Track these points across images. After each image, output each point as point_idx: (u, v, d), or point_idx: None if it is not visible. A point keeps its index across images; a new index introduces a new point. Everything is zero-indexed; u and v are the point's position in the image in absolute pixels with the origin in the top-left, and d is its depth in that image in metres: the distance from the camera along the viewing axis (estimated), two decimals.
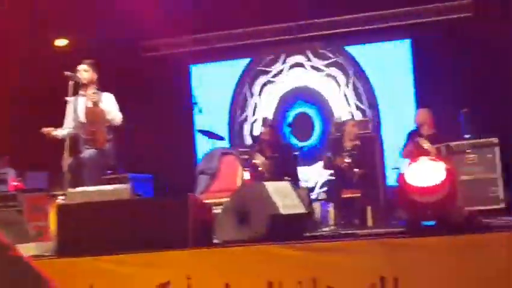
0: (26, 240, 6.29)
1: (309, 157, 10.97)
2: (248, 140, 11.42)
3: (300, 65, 11.47)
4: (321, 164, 9.58)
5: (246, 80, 11.64)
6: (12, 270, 2.15)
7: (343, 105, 11.26)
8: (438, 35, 10.89)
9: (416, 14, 11.22)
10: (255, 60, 11.59)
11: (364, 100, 11.18)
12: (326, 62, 11.35)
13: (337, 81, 11.30)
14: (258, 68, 11.64)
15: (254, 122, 11.55)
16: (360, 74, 11.15)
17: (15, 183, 10.84)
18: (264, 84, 11.60)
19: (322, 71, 11.41)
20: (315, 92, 11.33)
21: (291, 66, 11.50)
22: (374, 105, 11.14)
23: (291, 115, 11.09)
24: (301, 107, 11.38)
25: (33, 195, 9.69)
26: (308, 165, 10.97)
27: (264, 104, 11.55)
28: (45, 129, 6.99)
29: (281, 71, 11.52)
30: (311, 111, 11.37)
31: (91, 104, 6.89)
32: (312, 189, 10.72)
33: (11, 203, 9.53)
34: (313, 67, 11.44)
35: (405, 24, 11.31)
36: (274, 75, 11.60)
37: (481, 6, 10.63)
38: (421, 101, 10.99)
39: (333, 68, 11.33)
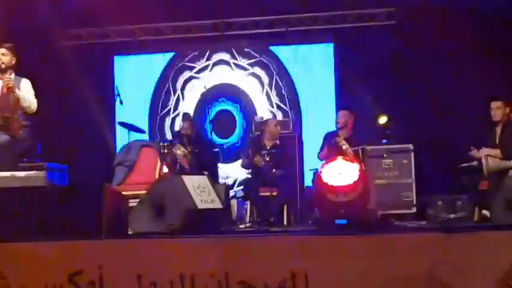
0: None
1: (230, 155, 11.12)
2: (169, 135, 11.38)
3: (225, 62, 11.52)
4: (239, 162, 9.64)
5: (169, 74, 11.58)
6: None
7: (265, 104, 11.35)
8: (361, 40, 11.11)
9: (340, 18, 11.40)
10: (179, 55, 11.57)
11: (286, 101, 11.30)
12: (251, 61, 11.44)
13: (261, 81, 11.40)
14: (182, 63, 11.62)
15: (175, 116, 11.51)
16: (284, 74, 11.23)
17: None
18: (188, 80, 11.59)
19: (246, 69, 11.50)
20: (238, 90, 11.42)
21: (216, 63, 11.54)
22: (296, 106, 11.25)
23: (213, 112, 11.08)
24: (223, 104, 11.44)
25: None
26: (228, 163, 11.09)
27: (186, 99, 11.54)
28: None
29: (205, 67, 11.55)
30: (233, 109, 11.47)
31: (6, 89, 6.71)
32: (231, 187, 10.84)
33: None
34: (237, 65, 11.52)
35: (329, 27, 11.50)
36: (199, 71, 11.62)
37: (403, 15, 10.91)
38: (341, 104, 11.18)
39: (257, 68, 11.43)
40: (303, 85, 11.49)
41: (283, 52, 11.63)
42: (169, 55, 11.91)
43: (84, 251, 4.88)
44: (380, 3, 11.23)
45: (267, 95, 11.43)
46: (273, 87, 11.40)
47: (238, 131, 11.46)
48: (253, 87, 11.50)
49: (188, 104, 11.51)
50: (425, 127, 10.16)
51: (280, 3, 11.08)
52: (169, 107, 11.75)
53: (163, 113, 11.77)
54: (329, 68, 11.53)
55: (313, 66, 11.54)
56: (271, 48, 11.65)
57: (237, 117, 11.48)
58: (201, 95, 10.82)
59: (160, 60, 11.94)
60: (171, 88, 11.68)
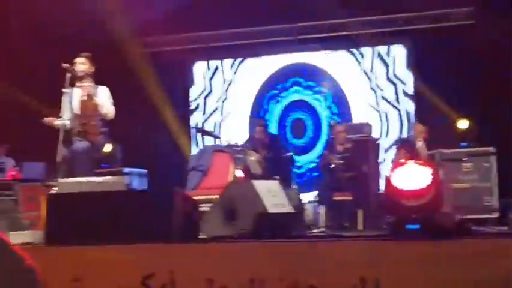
0: (18, 229, 6.35)
1: (304, 150, 11.75)
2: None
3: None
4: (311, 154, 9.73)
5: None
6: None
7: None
8: (438, 41, 10.93)
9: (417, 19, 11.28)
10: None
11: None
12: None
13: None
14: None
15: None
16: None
17: (13, 173, 10.88)
18: (271, 97, 12.27)
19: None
20: (308, 104, 12.11)
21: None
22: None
23: (289, 120, 11.94)
24: (297, 113, 12.06)
25: (29, 185, 9.74)
26: (301, 155, 11.69)
27: (271, 112, 12.29)
28: (46, 119, 7.04)
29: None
30: (305, 117, 12.07)
31: (85, 97, 6.92)
32: (303, 174, 11.26)
33: (7, 192, 9.58)
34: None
35: (405, 29, 11.40)
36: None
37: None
38: (419, 107, 11.06)
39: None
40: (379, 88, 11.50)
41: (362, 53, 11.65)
42: (240, 60, 12.31)
43: (156, 255, 4.96)
44: (457, 3, 11.01)
45: (327, 108, 11.91)
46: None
47: (308, 133, 11.98)
48: (317, 101, 12.02)
49: (273, 116, 12.22)
50: (504, 128, 9.86)
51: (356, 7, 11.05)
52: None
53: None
54: (404, 70, 11.45)
55: (387, 69, 11.49)
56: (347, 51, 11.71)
57: (307, 123, 12.00)
58: (282, 108, 11.82)
59: (235, 66, 12.12)
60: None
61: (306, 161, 11.69)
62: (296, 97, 12.12)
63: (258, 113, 12.16)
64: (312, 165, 11.42)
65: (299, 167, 11.56)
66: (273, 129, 11.86)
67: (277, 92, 12.22)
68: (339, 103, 11.83)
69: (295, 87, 12.14)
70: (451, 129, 10.44)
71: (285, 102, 12.16)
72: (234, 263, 4.81)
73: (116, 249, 5.02)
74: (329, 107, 11.89)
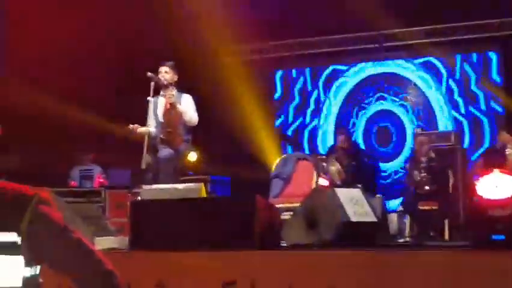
0: (105, 235, 6.50)
1: (390, 157, 11.67)
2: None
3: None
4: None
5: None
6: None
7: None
8: None
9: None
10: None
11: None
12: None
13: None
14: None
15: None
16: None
17: (101, 180, 11.17)
18: (360, 109, 12.20)
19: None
20: (392, 114, 12.00)
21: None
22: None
23: (374, 129, 11.95)
24: (383, 123, 11.99)
25: (116, 191, 9.98)
26: (388, 162, 11.60)
27: (358, 123, 12.22)
28: (131, 126, 7.20)
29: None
30: (390, 126, 11.98)
31: (169, 105, 7.04)
32: (388, 176, 11.32)
33: (95, 199, 9.84)
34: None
35: (496, 35, 11.12)
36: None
37: None
38: (508, 119, 10.77)
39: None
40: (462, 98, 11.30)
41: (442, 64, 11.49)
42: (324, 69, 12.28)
43: (238, 262, 5.00)
44: None
45: (411, 118, 11.77)
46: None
47: (393, 140, 11.83)
48: (402, 112, 11.87)
49: (359, 126, 12.15)
50: None
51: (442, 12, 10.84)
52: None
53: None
54: (491, 79, 11.18)
55: (473, 78, 11.26)
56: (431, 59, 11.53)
57: (392, 131, 11.86)
58: (367, 118, 11.95)
59: (315, 74, 12.14)
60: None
61: (391, 167, 11.57)
62: (381, 106, 12.04)
63: (343, 122, 12.13)
64: (398, 175, 11.28)
65: (385, 175, 11.45)
66: (358, 138, 11.82)
67: (362, 101, 12.16)
68: (424, 111, 11.65)
69: (380, 96, 12.06)
70: None
71: (370, 111, 12.10)
72: (314, 271, 4.79)
73: (199, 255, 5.08)
74: (414, 115, 11.74)
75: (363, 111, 12.12)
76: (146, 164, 7.08)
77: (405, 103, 11.83)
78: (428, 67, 11.64)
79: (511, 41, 10.91)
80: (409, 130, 11.57)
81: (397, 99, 11.93)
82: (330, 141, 11.82)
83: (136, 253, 5.35)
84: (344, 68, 12.16)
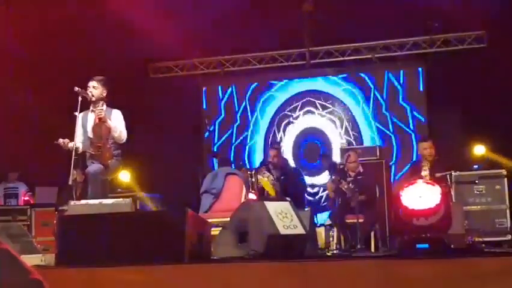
0: (31, 253, 6.37)
1: (317, 171, 11.85)
2: None
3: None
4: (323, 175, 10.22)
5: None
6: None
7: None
8: (450, 65, 10.96)
9: (429, 43, 11.35)
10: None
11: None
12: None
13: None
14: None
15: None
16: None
17: (26, 198, 10.96)
18: (287, 124, 12.42)
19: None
20: (320, 130, 12.27)
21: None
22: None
23: (303, 144, 12.20)
24: (311, 141, 12.27)
25: (42, 210, 9.81)
26: (315, 176, 11.79)
27: (286, 137, 12.41)
28: (60, 140, 7.06)
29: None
30: (317, 143, 12.27)
31: (98, 120, 6.97)
32: (316, 193, 11.49)
33: (20, 217, 9.65)
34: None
35: (418, 53, 11.46)
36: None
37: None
38: (432, 130, 11.06)
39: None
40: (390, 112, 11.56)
41: (370, 79, 11.72)
42: (254, 85, 12.44)
43: (168, 276, 4.96)
44: (468, 27, 11.05)
45: (339, 133, 12.13)
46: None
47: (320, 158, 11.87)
48: (329, 127, 12.21)
49: (288, 140, 12.36)
50: None
51: (365, 31, 11.10)
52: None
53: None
54: (417, 94, 11.48)
55: (400, 93, 11.55)
56: (359, 75, 11.78)
57: (319, 148, 12.13)
58: (296, 134, 12.21)
59: (241, 90, 12.24)
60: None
61: (319, 182, 11.77)
62: (309, 122, 12.21)
63: (272, 137, 12.22)
64: (325, 191, 11.43)
65: (313, 192, 11.62)
66: (288, 153, 11.96)
67: (291, 117, 12.35)
68: (352, 127, 11.89)
69: (309, 113, 12.27)
70: (463, 152, 10.44)
71: (298, 127, 12.28)
72: (245, 283, 4.81)
73: (128, 270, 5.03)
74: (341, 130, 11.96)
75: (292, 125, 12.28)
76: (73, 180, 6.97)
77: (333, 118, 12.02)
78: (356, 82, 11.88)
79: (433, 58, 11.28)
80: (335, 145, 11.84)
81: (324, 115, 12.12)
82: (258, 157, 11.93)
83: (63, 269, 5.25)
84: (273, 82, 12.30)
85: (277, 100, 12.40)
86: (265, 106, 12.38)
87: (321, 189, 11.77)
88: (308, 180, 11.33)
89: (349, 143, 11.75)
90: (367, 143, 11.67)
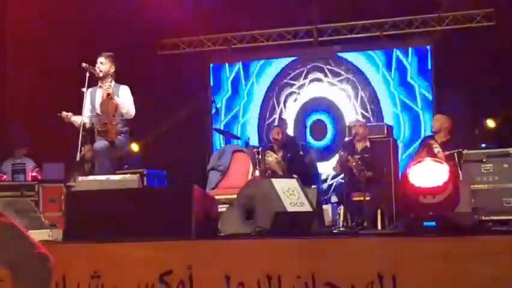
0: (38, 228, 6.40)
1: (324, 154, 11.34)
2: None
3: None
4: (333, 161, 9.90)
5: (274, 88, 12.03)
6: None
7: (352, 113, 11.60)
8: (458, 43, 10.90)
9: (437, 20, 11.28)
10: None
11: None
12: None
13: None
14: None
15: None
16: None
17: (34, 174, 11.00)
18: (289, 94, 11.94)
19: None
20: (329, 102, 11.76)
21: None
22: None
23: (309, 120, 11.50)
24: (317, 114, 11.75)
25: (50, 185, 9.86)
26: (322, 161, 11.07)
27: (288, 111, 11.91)
28: (64, 113, 7.07)
29: (303, 84, 11.89)
30: (325, 118, 11.75)
31: (105, 97, 6.97)
32: (325, 181, 11.06)
33: (28, 193, 9.69)
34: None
35: (426, 30, 11.40)
36: (298, 87, 11.92)
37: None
38: (439, 108, 11.01)
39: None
40: (398, 90, 11.43)
41: (378, 57, 11.60)
42: (262, 62, 12.21)
43: (174, 252, 4.99)
44: (477, 5, 10.97)
45: (353, 106, 11.64)
46: (358, 99, 11.60)
47: (329, 135, 11.72)
48: (342, 99, 11.71)
49: (289, 115, 11.90)
50: None
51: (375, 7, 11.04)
52: (274, 117, 12.08)
53: (269, 121, 12.04)
54: (426, 72, 11.41)
55: (408, 71, 11.46)
56: (366, 53, 11.68)
57: (327, 124, 11.73)
58: (300, 107, 11.54)
59: (255, 68, 12.13)
60: (275, 101, 12.04)
61: (327, 170, 11.03)
62: (316, 92, 11.86)
63: (269, 113, 11.97)
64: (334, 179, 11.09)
65: (322, 178, 10.99)
66: (291, 130, 11.62)
67: (292, 84, 11.91)
68: (370, 100, 11.56)
69: (315, 78, 11.83)
70: (471, 130, 10.40)
71: (302, 98, 11.77)
72: (251, 259, 4.82)
73: (135, 245, 5.06)
74: (356, 103, 11.61)
75: (294, 96, 11.91)
76: (81, 156, 6.98)
77: (346, 87, 11.74)
78: (363, 62, 11.78)
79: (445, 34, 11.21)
80: (347, 123, 10.97)
81: (336, 82, 11.89)
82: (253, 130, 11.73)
83: (70, 244, 5.28)
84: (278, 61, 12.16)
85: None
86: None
87: (330, 176, 11.20)
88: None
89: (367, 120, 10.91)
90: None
